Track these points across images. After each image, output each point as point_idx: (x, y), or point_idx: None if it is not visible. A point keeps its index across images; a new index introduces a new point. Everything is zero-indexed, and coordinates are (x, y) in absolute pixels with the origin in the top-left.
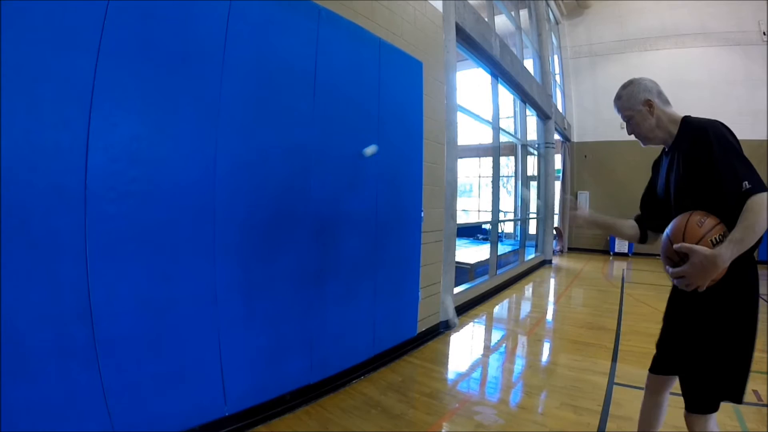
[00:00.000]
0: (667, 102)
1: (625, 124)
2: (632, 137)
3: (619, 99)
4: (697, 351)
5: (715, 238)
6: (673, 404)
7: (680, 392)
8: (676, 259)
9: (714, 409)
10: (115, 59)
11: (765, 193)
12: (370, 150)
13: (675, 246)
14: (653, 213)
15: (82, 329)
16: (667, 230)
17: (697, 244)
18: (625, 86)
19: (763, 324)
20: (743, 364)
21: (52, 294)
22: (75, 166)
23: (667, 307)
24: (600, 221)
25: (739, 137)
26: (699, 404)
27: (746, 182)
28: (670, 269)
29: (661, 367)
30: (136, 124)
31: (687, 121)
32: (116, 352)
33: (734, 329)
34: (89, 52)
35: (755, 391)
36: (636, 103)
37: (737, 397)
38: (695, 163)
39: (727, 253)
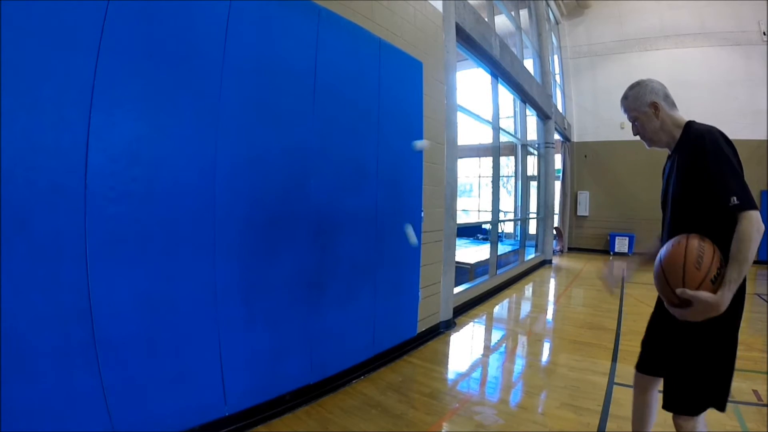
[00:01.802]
0: (673, 105)
1: (627, 123)
2: (633, 137)
3: (625, 99)
4: (680, 354)
5: (714, 276)
6: None
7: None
8: (675, 301)
9: (693, 412)
10: (115, 59)
11: (752, 212)
12: (422, 144)
13: (678, 291)
14: None
15: (82, 329)
16: (662, 261)
17: (698, 288)
18: (632, 87)
19: (762, 324)
20: (726, 372)
21: (52, 294)
22: (75, 166)
23: (655, 308)
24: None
25: (739, 137)
26: (677, 405)
27: (734, 197)
28: (671, 308)
29: (646, 366)
30: (136, 124)
31: (690, 125)
32: (116, 352)
33: (718, 336)
34: (89, 52)
35: (755, 391)
36: (642, 104)
37: (720, 405)
38: (689, 170)
39: (729, 294)
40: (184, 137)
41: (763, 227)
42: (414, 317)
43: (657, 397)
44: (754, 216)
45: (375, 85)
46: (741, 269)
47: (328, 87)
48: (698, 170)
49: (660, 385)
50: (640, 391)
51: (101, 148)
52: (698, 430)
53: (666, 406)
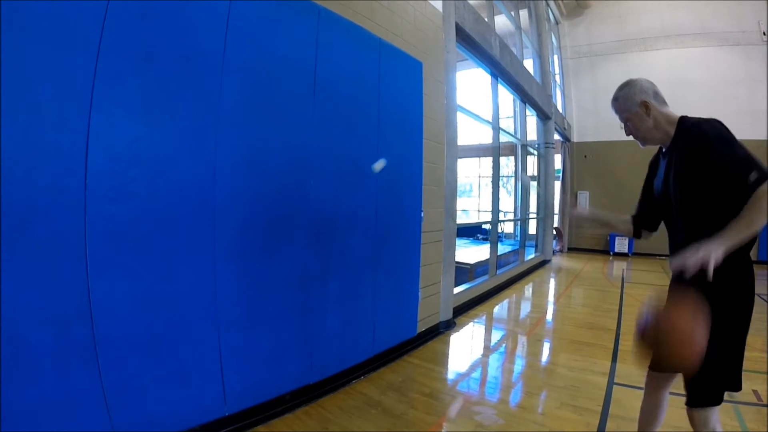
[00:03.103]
0: (663, 102)
1: (623, 125)
2: (631, 137)
3: (615, 101)
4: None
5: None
6: (673, 404)
7: (680, 392)
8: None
9: (717, 401)
10: (116, 59)
11: None
12: (379, 165)
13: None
14: (648, 212)
15: (82, 329)
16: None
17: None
18: (621, 88)
19: (762, 324)
20: (738, 354)
21: (52, 294)
22: (75, 167)
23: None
24: (599, 217)
25: (739, 137)
26: (699, 398)
27: (753, 173)
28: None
29: (661, 363)
30: (136, 124)
31: (684, 120)
32: (116, 352)
33: (731, 324)
34: (89, 52)
35: (755, 391)
36: (632, 105)
37: (736, 385)
38: (695, 161)
39: (719, 245)
40: (184, 137)
41: None
42: (414, 317)
43: (668, 398)
44: None
45: (375, 84)
46: (743, 229)
47: (328, 87)
48: (706, 159)
49: (672, 385)
50: (651, 390)
51: (101, 148)
52: (712, 426)
53: (690, 402)
